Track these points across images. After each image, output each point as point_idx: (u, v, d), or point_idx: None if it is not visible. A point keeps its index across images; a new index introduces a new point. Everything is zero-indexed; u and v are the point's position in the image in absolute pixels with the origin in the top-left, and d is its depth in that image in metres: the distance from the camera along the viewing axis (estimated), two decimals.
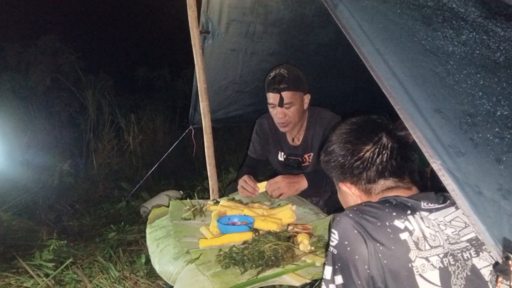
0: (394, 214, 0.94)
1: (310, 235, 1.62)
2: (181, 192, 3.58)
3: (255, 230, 1.63)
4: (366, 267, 0.90)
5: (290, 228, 1.66)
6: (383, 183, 1.09)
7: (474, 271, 0.92)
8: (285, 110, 2.15)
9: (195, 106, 3.10)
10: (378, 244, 0.89)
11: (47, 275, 2.24)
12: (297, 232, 1.61)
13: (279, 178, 1.99)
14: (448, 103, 0.96)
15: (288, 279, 1.36)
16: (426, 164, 1.13)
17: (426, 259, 0.89)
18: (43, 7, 6.34)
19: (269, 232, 1.61)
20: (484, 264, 0.93)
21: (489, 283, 0.91)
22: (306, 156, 2.32)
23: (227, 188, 2.49)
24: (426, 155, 0.89)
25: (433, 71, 1.02)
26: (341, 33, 1.09)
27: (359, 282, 0.90)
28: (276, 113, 2.17)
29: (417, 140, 0.91)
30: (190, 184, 4.12)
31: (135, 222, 3.22)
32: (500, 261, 0.76)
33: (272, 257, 1.41)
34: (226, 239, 1.59)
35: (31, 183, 3.89)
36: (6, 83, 4.90)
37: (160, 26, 7.12)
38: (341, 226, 0.95)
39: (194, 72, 2.62)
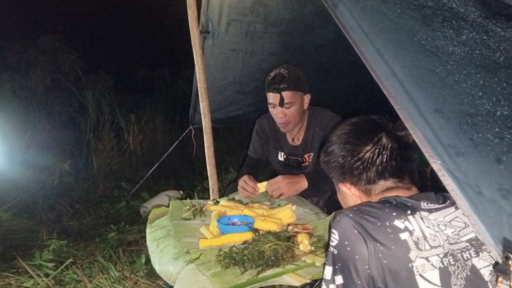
0: (394, 214, 0.94)
1: (310, 235, 1.62)
2: (181, 192, 3.58)
3: (255, 230, 1.63)
4: (366, 267, 0.90)
5: (290, 228, 1.66)
6: (383, 184, 1.09)
7: (474, 271, 0.92)
8: (285, 110, 2.15)
9: (195, 106, 3.10)
10: (378, 244, 0.89)
11: (47, 275, 2.24)
12: (297, 232, 1.61)
13: (279, 178, 1.99)
14: (448, 103, 0.96)
15: (288, 279, 1.36)
16: (426, 164, 1.13)
17: (426, 259, 0.89)
18: (43, 7, 6.34)
19: (269, 232, 1.61)
20: (484, 264, 0.93)
21: (489, 283, 0.91)
22: (306, 156, 2.32)
23: (227, 188, 2.49)
24: (426, 155, 0.89)
25: (433, 71, 1.02)
26: (341, 33, 1.09)
27: (359, 282, 0.90)
28: (276, 113, 2.17)
29: (417, 140, 0.91)
30: (190, 184, 4.12)
31: (135, 222, 3.22)
32: (500, 261, 0.76)
33: (272, 257, 1.41)
34: (226, 239, 1.59)
35: (31, 183, 3.89)
36: (6, 83, 4.91)
37: (160, 26, 7.12)
38: (341, 226, 0.95)
39: (194, 72, 2.62)
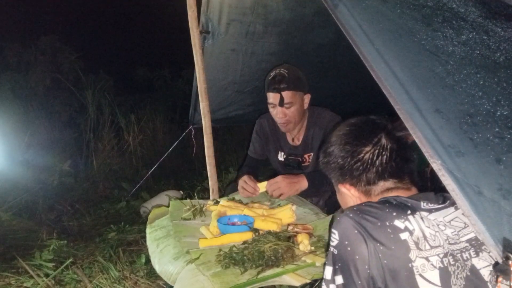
0: (394, 214, 0.94)
1: (310, 235, 1.62)
2: (181, 192, 3.58)
3: (255, 230, 1.63)
4: (366, 267, 0.90)
5: (290, 228, 1.66)
6: (382, 185, 1.09)
7: (474, 271, 0.92)
8: (285, 110, 2.15)
9: (195, 106, 3.10)
10: (378, 244, 0.89)
11: (47, 275, 2.24)
12: (297, 232, 1.61)
13: (279, 178, 1.99)
14: (448, 103, 0.96)
15: (288, 279, 1.36)
16: (426, 164, 1.13)
17: (426, 259, 0.89)
18: (43, 7, 6.34)
19: (269, 232, 1.61)
20: (483, 264, 0.93)
21: (488, 283, 0.91)
22: (306, 156, 2.32)
23: (227, 188, 2.49)
24: (426, 155, 0.89)
25: (433, 71, 1.02)
26: (341, 33, 1.09)
27: (359, 282, 0.90)
28: (277, 113, 2.17)
29: (417, 140, 0.91)
30: (190, 184, 4.12)
31: (135, 222, 3.22)
32: (500, 261, 0.76)
33: (272, 257, 1.41)
34: (226, 239, 1.59)
35: (31, 183, 3.89)
36: (6, 83, 4.90)
37: (160, 26, 7.12)
38: (341, 226, 0.95)
39: (194, 72, 2.62)
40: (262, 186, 2.03)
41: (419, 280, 0.88)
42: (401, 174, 1.09)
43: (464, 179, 0.84)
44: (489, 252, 0.93)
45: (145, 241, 1.92)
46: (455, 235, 0.94)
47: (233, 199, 2.05)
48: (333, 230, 0.97)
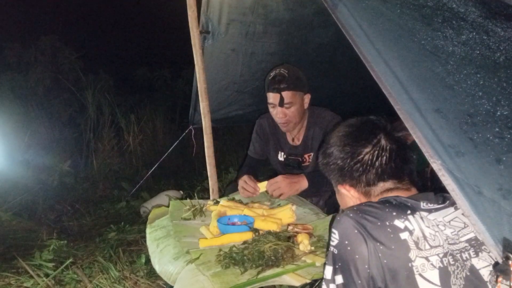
0: (394, 214, 0.94)
1: (310, 235, 1.62)
2: (181, 192, 3.58)
3: (255, 230, 1.63)
4: (366, 266, 0.90)
5: (290, 228, 1.66)
6: (382, 185, 1.09)
7: (473, 271, 0.92)
8: (285, 110, 2.15)
9: (195, 106, 3.10)
10: (378, 244, 0.90)
11: (47, 275, 2.24)
12: (297, 232, 1.61)
13: (279, 178, 1.99)
14: (448, 103, 0.96)
15: (288, 279, 1.36)
16: (426, 164, 1.13)
17: (426, 258, 0.90)
18: (43, 7, 6.35)
19: (269, 232, 1.61)
20: (483, 264, 0.93)
21: (488, 283, 0.91)
22: (306, 156, 2.32)
23: (227, 188, 2.49)
24: (426, 155, 0.89)
25: (433, 71, 1.02)
26: (341, 33, 1.09)
27: (359, 281, 0.90)
28: (277, 113, 2.17)
29: (417, 140, 0.91)
30: (190, 184, 4.12)
31: (135, 222, 3.22)
32: (500, 261, 0.76)
33: (272, 257, 1.41)
34: (226, 239, 1.59)
35: (31, 183, 3.89)
36: (6, 83, 4.90)
37: (160, 26, 7.12)
38: (341, 226, 0.95)
39: (194, 72, 2.62)
40: (262, 186, 2.03)
41: (418, 279, 0.88)
42: (400, 174, 1.09)
43: (464, 179, 0.84)
44: (488, 252, 0.93)
45: (145, 241, 1.92)
46: (454, 235, 0.94)
47: (233, 199, 2.05)
48: (333, 229, 0.97)
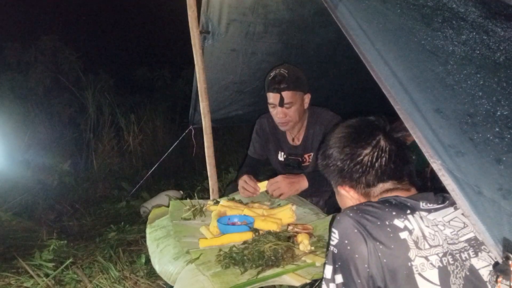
0: (394, 213, 0.94)
1: (310, 235, 1.62)
2: (181, 192, 3.58)
3: (255, 230, 1.63)
4: (366, 266, 0.90)
5: (290, 228, 1.66)
6: (381, 186, 1.09)
7: (473, 271, 0.92)
8: (286, 110, 2.15)
9: (195, 106, 3.10)
10: (378, 243, 0.90)
11: (47, 275, 2.24)
12: (297, 232, 1.61)
13: (279, 178, 1.99)
14: (448, 103, 0.96)
15: (288, 279, 1.36)
16: (426, 164, 1.13)
17: (426, 258, 0.90)
18: (43, 7, 6.34)
19: (269, 232, 1.61)
20: (482, 264, 0.93)
21: (488, 283, 0.91)
22: (306, 156, 2.32)
23: (227, 188, 2.49)
24: (426, 155, 0.89)
25: (433, 71, 1.02)
26: (341, 33, 1.09)
27: (359, 281, 0.90)
28: (277, 113, 2.17)
29: (417, 140, 0.91)
30: (190, 184, 4.12)
31: (135, 222, 3.22)
32: (500, 261, 0.76)
33: (272, 257, 1.41)
34: (226, 239, 1.59)
35: (31, 183, 3.89)
36: (6, 83, 4.90)
37: (160, 26, 7.12)
38: (341, 225, 0.95)
39: (194, 72, 2.62)
40: (263, 185, 2.03)
41: (418, 279, 0.88)
42: (400, 175, 1.09)
43: (464, 179, 0.84)
44: (488, 252, 0.93)
45: (145, 241, 1.92)
46: (454, 235, 0.95)
47: (233, 199, 2.05)
48: (333, 229, 0.97)
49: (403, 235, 0.91)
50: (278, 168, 2.45)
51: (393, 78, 0.98)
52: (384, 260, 0.89)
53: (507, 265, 0.74)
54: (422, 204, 0.98)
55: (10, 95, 4.84)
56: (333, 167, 1.14)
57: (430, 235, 0.92)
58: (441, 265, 0.90)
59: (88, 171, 4.39)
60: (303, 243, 1.52)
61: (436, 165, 0.86)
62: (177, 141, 3.68)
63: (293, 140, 2.35)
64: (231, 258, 1.42)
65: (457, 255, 0.92)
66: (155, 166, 3.90)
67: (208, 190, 2.75)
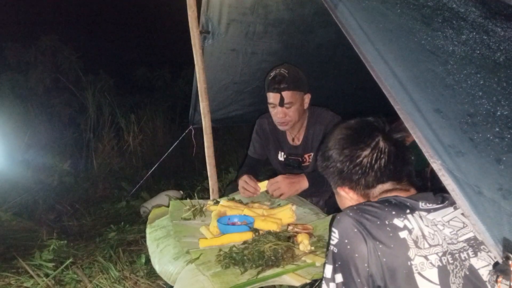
0: (394, 213, 0.94)
1: (310, 235, 1.62)
2: (181, 192, 3.58)
3: (255, 230, 1.63)
4: (365, 265, 0.90)
5: (290, 228, 1.66)
6: (381, 187, 1.10)
7: (472, 271, 0.92)
8: (286, 110, 2.15)
9: (195, 106, 3.10)
10: (377, 243, 0.90)
11: (47, 275, 2.23)
12: (297, 232, 1.61)
13: (279, 178, 1.99)
14: (448, 103, 0.96)
15: (288, 279, 1.36)
16: (426, 164, 1.13)
17: (425, 257, 0.90)
18: (43, 7, 6.34)
19: (269, 232, 1.61)
20: (482, 264, 0.93)
21: (487, 283, 0.91)
22: (306, 156, 2.32)
23: (227, 188, 2.49)
24: (426, 155, 0.89)
25: (433, 71, 1.02)
26: (341, 33, 1.09)
27: (359, 280, 0.91)
28: (277, 113, 2.17)
29: (417, 140, 0.91)
30: (190, 184, 4.12)
31: (135, 222, 3.22)
32: (500, 261, 0.76)
33: (272, 257, 1.41)
34: (226, 239, 1.59)
35: (31, 183, 3.89)
36: (6, 83, 4.90)
37: (160, 26, 7.12)
38: (341, 225, 0.95)
39: (194, 72, 2.62)
40: (263, 185, 2.03)
41: (418, 278, 0.88)
42: (399, 176, 1.10)
43: (464, 179, 0.84)
44: (487, 252, 0.94)
45: (145, 241, 1.92)
46: (453, 235, 0.95)
47: (233, 199, 2.05)
48: (333, 229, 0.97)
49: (403, 234, 0.91)
50: (278, 168, 2.45)
51: (393, 78, 0.98)
52: (384, 260, 0.89)
53: (507, 265, 0.74)
54: (422, 204, 0.99)
55: (10, 95, 4.84)
56: (332, 168, 1.14)
57: (430, 234, 0.92)
58: (440, 265, 0.90)
59: (88, 171, 4.39)
60: (303, 243, 1.52)
61: (436, 165, 0.86)
62: (177, 141, 3.68)
63: (293, 140, 2.35)
64: (231, 258, 1.42)
65: (457, 255, 0.93)
66: (155, 166, 3.90)
67: (208, 190, 2.75)
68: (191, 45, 2.51)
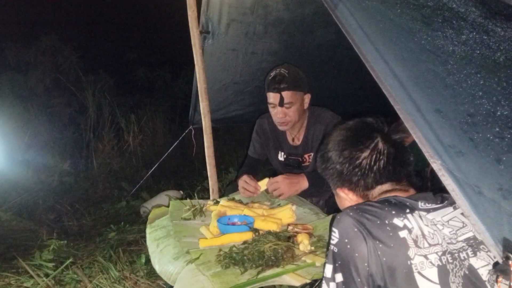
0: (394, 212, 0.94)
1: (310, 235, 1.62)
2: (181, 192, 3.58)
3: (255, 230, 1.63)
4: (365, 264, 0.90)
5: (290, 228, 1.66)
6: (380, 188, 1.11)
7: (472, 270, 0.92)
8: (286, 110, 2.15)
9: (195, 106, 3.10)
10: (377, 242, 0.90)
11: (47, 275, 2.24)
12: (297, 232, 1.61)
13: (279, 178, 1.99)
14: (448, 103, 0.96)
15: (288, 279, 1.36)
16: (426, 164, 1.13)
17: (425, 256, 0.90)
18: (43, 7, 6.34)
19: (269, 232, 1.61)
20: (481, 264, 0.93)
21: (487, 283, 0.91)
22: (306, 156, 2.32)
23: (227, 188, 2.49)
24: (426, 155, 0.89)
25: (433, 71, 1.02)
26: (341, 33, 1.09)
27: (359, 279, 0.91)
28: (276, 113, 2.17)
29: (417, 140, 0.91)
30: (190, 184, 4.12)
31: (135, 222, 3.22)
32: (500, 261, 0.76)
33: (272, 257, 1.41)
34: (226, 239, 1.59)
35: (31, 183, 3.89)
36: (6, 83, 4.90)
37: (160, 26, 7.12)
38: (341, 225, 0.95)
39: (194, 72, 2.62)
40: (263, 184, 2.03)
41: (417, 277, 0.88)
42: (398, 177, 1.10)
43: (464, 179, 0.84)
44: (487, 252, 0.94)
45: (145, 241, 1.92)
46: (453, 235, 0.95)
47: (233, 199, 2.05)
48: (333, 228, 0.98)
49: (403, 234, 0.91)
50: (278, 168, 2.45)
51: (393, 78, 0.98)
52: (384, 259, 0.89)
53: (507, 265, 0.74)
54: (421, 204, 0.99)
55: (10, 95, 4.84)
56: (332, 170, 1.14)
57: (429, 234, 0.92)
58: (440, 264, 0.90)
59: (88, 171, 4.40)
60: (303, 243, 1.52)
61: (436, 165, 0.87)
62: (177, 141, 3.68)
63: (293, 140, 2.35)
64: (231, 258, 1.42)
65: (456, 254, 0.93)
66: (155, 166, 3.90)
67: (208, 190, 2.75)
68: (191, 45, 2.51)
